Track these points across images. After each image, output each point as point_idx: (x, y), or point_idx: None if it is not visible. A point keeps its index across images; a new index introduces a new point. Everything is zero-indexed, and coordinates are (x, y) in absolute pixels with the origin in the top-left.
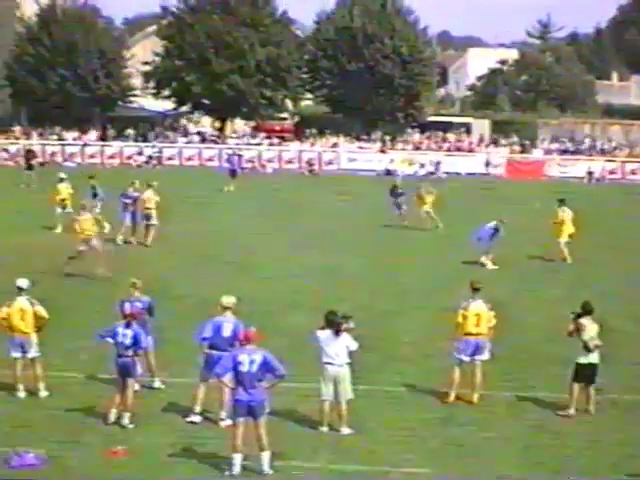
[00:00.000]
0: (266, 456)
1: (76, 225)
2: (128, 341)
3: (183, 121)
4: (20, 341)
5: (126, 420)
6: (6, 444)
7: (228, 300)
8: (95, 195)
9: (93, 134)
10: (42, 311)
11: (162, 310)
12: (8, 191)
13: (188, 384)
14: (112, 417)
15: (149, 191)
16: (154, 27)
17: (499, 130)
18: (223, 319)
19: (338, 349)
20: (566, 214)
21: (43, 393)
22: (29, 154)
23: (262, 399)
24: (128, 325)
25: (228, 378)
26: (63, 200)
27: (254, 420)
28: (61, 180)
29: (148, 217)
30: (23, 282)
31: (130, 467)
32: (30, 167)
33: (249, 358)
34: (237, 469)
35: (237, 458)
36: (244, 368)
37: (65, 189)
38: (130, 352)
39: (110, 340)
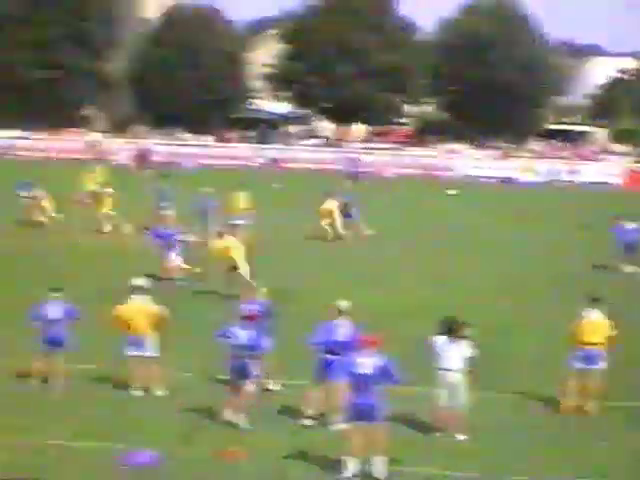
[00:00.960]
0: (380, 461)
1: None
2: (245, 342)
3: (305, 125)
4: (137, 340)
5: (241, 421)
6: (122, 441)
7: (344, 305)
8: (163, 196)
9: (214, 135)
10: (161, 311)
11: (280, 313)
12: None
13: (303, 387)
14: (226, 417)
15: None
16: (275, 30)
17: (620, 139)
18: (338, 323)
19: (454, 355)
20: None
21: (159, 392)
22: (141, 155)
23: (378, 403)
24: (245, 326)
25: (345, 381)
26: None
27: (370, 424)
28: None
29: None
30: (142, 281)
31: (244, 468)
32: (143, 167)
33: (367, 362)
34: (351, 473)
35: (351, 462)
36: (361, 372)
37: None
38: (246, 353)
39: (227, 341)
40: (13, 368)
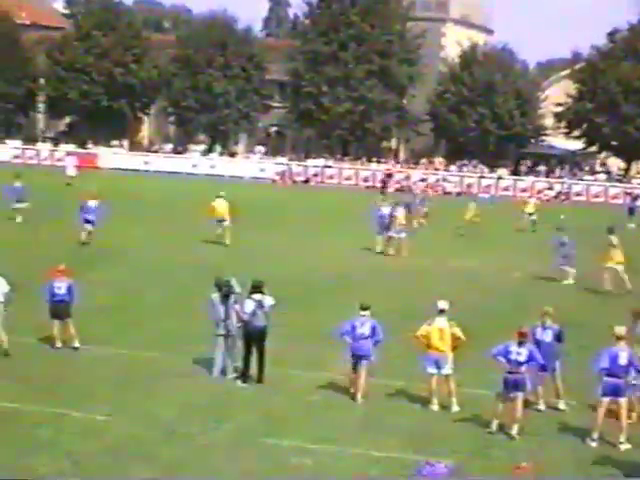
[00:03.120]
0: None
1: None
2: (522, 358)
3: (591, 160)
4: (436, 358)
5: (514, 431)
6: (419, 453)
7: (620, 330)
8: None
9: (506, 169)
10: (459, 332)
11: (568, 337)
12: None
13: (589, 407)
14: (494, 427)
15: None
16: (567, 71)
17: None
18: (618, 349)
19: None
20: None
21: (455, 408)
22: (387, 178)
23: None
24: (521, 344)
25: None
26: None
27: None
28: (218, 196)
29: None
30: (444, 304)
31: None
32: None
33: None
34: None
35: None
36: None
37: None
38: (523, 369)
39: (502, 359)
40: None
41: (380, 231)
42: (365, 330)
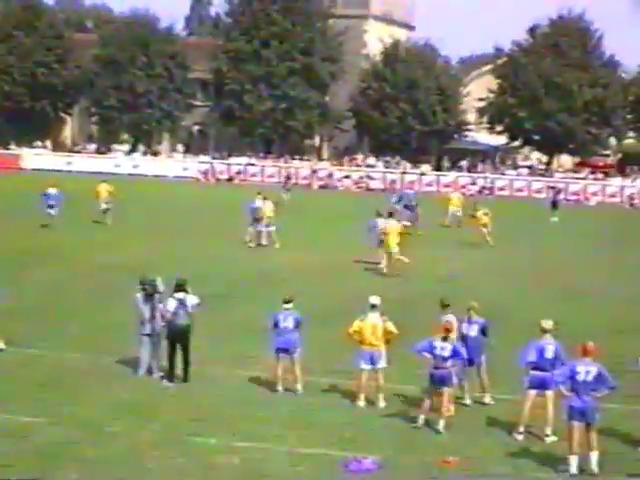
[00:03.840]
0: (595, 456)
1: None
2: (447, 354)
3: (514, 155)
4: (371, 354)
5: (441, 426)
6: (347, 449)
7: (547, 324)
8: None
9: (429, 165)
10: (392, 326)
11: (493, 330)
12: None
13: (515, 401)
14: (420, 422)
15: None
16: (489, 66)
17: None
18: (545, 342)
19: None
20: None
21: (382, 403)
22: (287, 178)
23: (595, 406)
24: (445, 339)
25: (556, 392)
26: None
27: (587, 425)
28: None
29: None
30: (376, 299)
31: (461, 477)
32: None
33: (585, 369)
34: (574, 469)
35: (573, 459)
36: (580, 378)
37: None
38: (448, 364)
39: (426, 354)
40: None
41: (251, 223)
42: (289, 324)
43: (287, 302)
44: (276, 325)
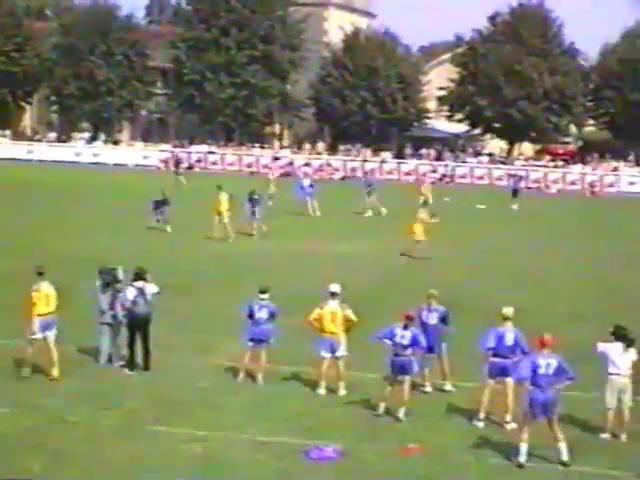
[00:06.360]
0: (564, 446)
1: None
2: (406, 342)
3: (474, 143)
4: (331, 342)
5: (401, 413)
6: (308, 437)
7: (508, 311)
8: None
9: (390, 152)
10: (351, 314)
11: (453, 319)
12: None
13: (474, 388)
14: (381, 410)
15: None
16: (449, 54)
17: None
18: (505, 329)
19: (626, 362)
20: None
21: (342, 391)
22: (177, 162)
23: (556, 399)
24: (406, 327)
25: (517, 381)
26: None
27: (548, 417)
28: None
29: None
30: (336, 287)
31: (421, 465)
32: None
33: (546, 362)
34: (524, 458)
35: (524, 447)
36: (542, 371)
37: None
38: (408, 352)
39: (387, 342)
40: None
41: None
42: (263, 314)
43: (262, 292)
44: (251, 315)
